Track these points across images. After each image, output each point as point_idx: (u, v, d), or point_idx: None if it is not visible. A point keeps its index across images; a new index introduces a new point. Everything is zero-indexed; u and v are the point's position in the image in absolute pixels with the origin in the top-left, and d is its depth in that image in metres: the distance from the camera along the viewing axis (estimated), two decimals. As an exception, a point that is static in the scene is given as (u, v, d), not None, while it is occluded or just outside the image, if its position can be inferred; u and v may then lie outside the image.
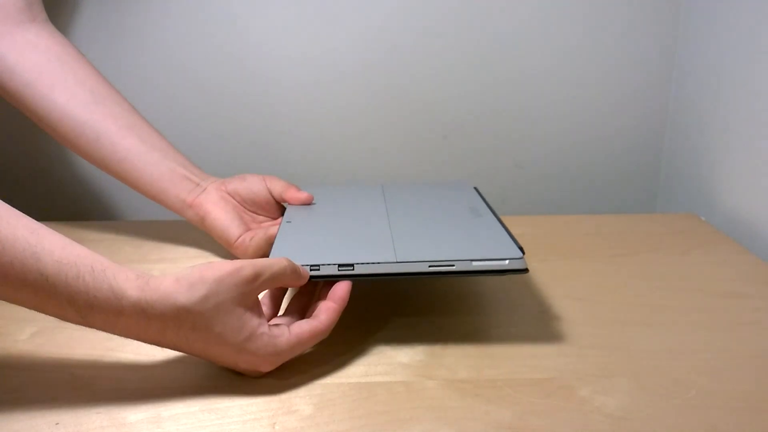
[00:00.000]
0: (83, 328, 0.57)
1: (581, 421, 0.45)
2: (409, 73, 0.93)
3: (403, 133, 0.96)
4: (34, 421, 0.45)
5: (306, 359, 0.53)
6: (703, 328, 0.57)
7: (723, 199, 0.84)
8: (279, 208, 0.70)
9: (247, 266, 0.47)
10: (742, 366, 0.52)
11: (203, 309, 0.45)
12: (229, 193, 0.68)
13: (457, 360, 0.52)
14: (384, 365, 0.52)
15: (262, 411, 0.47)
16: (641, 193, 1.01)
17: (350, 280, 0.53)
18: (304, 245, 0.57)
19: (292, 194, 0.68)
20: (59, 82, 0.66)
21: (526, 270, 0.52)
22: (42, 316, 0.58)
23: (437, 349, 0.54)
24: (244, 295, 0.46)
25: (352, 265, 0.53)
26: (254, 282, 0.47)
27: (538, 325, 0.58)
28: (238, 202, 0.69)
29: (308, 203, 0.68)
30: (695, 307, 0.61)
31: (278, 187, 0.69)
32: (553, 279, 0.66)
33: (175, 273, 0.46)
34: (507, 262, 0.52)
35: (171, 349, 0.48)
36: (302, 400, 0.48)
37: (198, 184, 0.68)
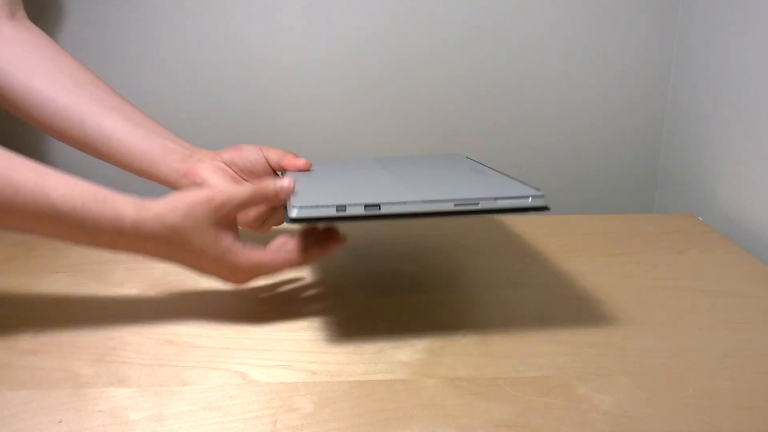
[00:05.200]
0: (85, 327, 0.57)
1: (579, 419, 0.46)
2: (408, 75, 0.93)
3: (402, 134, 0.96)
4: (37, 419, 0.46)
5: (306, 357, 0.53)
6: (700, 328, 0.58)
7: (720, 199, 0.84)
8: (276, 177, 0.68)
9: (218, 195, 0.54)
10: (740, 365, 0.52)
11: (184, 227, 0.53)
12: (225, 163, 0.66)
13: (456, 358, 0.53)
14: (384, 363, 0.52)
15: (263, 409, 0.47)
16: (639, 194, 1.01)
17: (376, 219, 0.52)
18: (325, 189, 0.58)
19: (290, 160, 0.67)
20: (38, 70, 0.66)
21: (547, 207, 0.53)
22: (45, 315, 0.59)
23: (437, 348, 0.54)
24: (218, 218, 0.54)
25: (379, 205, 0.52)
26: (224, 208, 0.54)
27: (537, 323, 0.58)
28: (235, 172, 0.67)
29: (306, 169, 0.67)
30: (692, 306, 0.61)
31: (276, 155, 0.68)
32: (551, 278, 0.67)
33: (165, 197, 0.54)
34: (530, 199, 0.53)
35: (168, 262, 0.55)
36: (303, 398, 0.48)
37: (190, 155, 0.66)
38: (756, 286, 0.65)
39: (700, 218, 0.84)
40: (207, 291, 0.64)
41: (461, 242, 0.76)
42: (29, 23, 0.70)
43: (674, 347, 0.55)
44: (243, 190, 0.56)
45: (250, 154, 0.67)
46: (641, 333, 0.57)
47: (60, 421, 0.45)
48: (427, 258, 0.71)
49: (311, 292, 0.65)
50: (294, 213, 0.51)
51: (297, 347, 0.55)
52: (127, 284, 0.65)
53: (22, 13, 0.70)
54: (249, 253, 0.55)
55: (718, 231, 0.79)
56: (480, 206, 0.52)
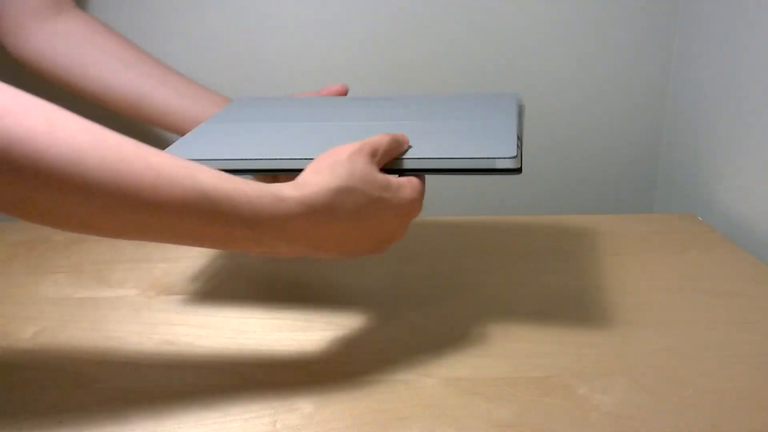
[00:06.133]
0: (85, 327, 0.57)
1: (580, 419, 0.46)
2: (406, 74, 0.93)
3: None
4: (37, 420, 0.46)
5: (306, 357, 0.53)
6: (700, 328, 0.58)
7: (720, 199, 0.84)
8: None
9: (366, 144, 0.50)
10: (740, 365, 0.52)
11: (355, 183, 0.47)
12: None
13: (456, 358, 0.53)
14: (384, 363, 0.52)
15: (263, 409, 0.47)
16: (639, 194, 1.01)
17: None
18: (449, 136, 0.56)
19: (327, 90, 0.71)
20: (91, 61, 0.73)
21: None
22: (45, 315, 0.59)
23: (437, 348, 0.54)
24: (376, 164, 0.50)
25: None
26: (376, 155, 0.50)
27: (537, 323, 0.58)
28: None
29: (345, 90, 0.71)
30: (692, 306, 0.61)
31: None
32: (551, 278, 0.67)
33: (303, 173, 0.48)
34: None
35: (344, 247, 0.49)
36: (303, 398, 0.48)
37: None
38: (756, 286, 0.65)
39: (700, 218, 0.84)
40: (206, 291, 0.64)
41: (461, 242, 0.77)
42: (77, 12, 0.76)
43: (674, 347, 0.55)
44: (384, 138, 0.52)
45: None
46: (641, 333, 0.57)
47: (60, 422, 0.45)
48: (428, 258, 0.71)
49: (311, 292, 0.65)
50: (513, 164, 0.51)
51: (297, 347, 0.55)
52: (127, 284, 0.65)
53: (69, 5, 0.76)
54: (413, 182, 0.51)
55: (718, 231, 0.79)
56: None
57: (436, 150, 0.53)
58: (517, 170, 0.51)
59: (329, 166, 0.47)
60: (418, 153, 0.53)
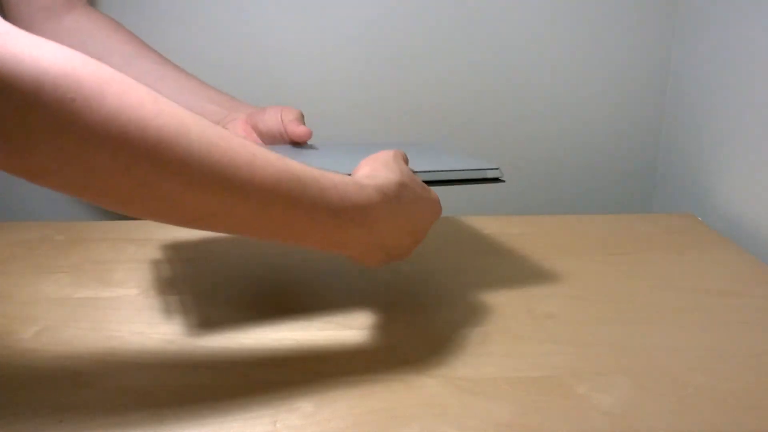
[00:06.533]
0: (85, 327, 0.57)
1: (579, 419, 0.46)
2: (405, 76, 0.93)
3: (399, 135, 0.96)
4: (37, 419, 0.46)
5: (306, 356, 0.53)
6: (699, 327, 0.58)
7: (720, 199, 0.84)
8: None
9: (397, 151, 0.54)
10: (739, 364, 0.52)
11: (405, 179, 0.51)
12: (252, 127, 0.68)
13: (456, 358, 0.53)
14: (384, 363, 0.52)
15: (264, 408, 0.47)
16: (638, 194, 1.01)
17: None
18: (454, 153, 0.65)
19: (292, 128, 0.66)
20: (94, 58, 0.71)
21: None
22: (45, 315, 0.59)
23: (437, 347, 0.54)
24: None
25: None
26: (405, 161, 0.55)
27: (537, 323, 0.58)
28: (258, 136, 0.68)
29: (307, 138, 0.67)
30: (692, 306, 0.61)
31: (289, 116, 0.67)
32: (551, 278, 0.67)
33: (362, 170, 0.51)
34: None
35: (400, 241, 0.52)
36: (303, 397, 0.48)
37: (225, 116, 0.69)
38: (756, 286, 0.65)
39: (699, 218, 0.84)
40: (206, 291, 0.64)
41: (461, 242, 0.77)
42: (87, 9, 0.76)
43: (674, 347, 0.55)
44: (401, 149, 0.56)
45: (269, 119, 0.68)
46: (641, 333, 0.57)
47: (61, 421, 0.45)
48: (427, 258, 0.71)
49: (311, 291, 0.65)
50: (499, 174, 0.59)
51: (297, 347, 0.55)
52: (127, 284, 0.65)
53: (81, 2, 0.76)
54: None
55: (718, 231, 0.79)
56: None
57: (435, 165, 0.59)
58: (502, 180, 0.60)
59: (383, 164, 0.51)
60: (423, 167, 0.58)
